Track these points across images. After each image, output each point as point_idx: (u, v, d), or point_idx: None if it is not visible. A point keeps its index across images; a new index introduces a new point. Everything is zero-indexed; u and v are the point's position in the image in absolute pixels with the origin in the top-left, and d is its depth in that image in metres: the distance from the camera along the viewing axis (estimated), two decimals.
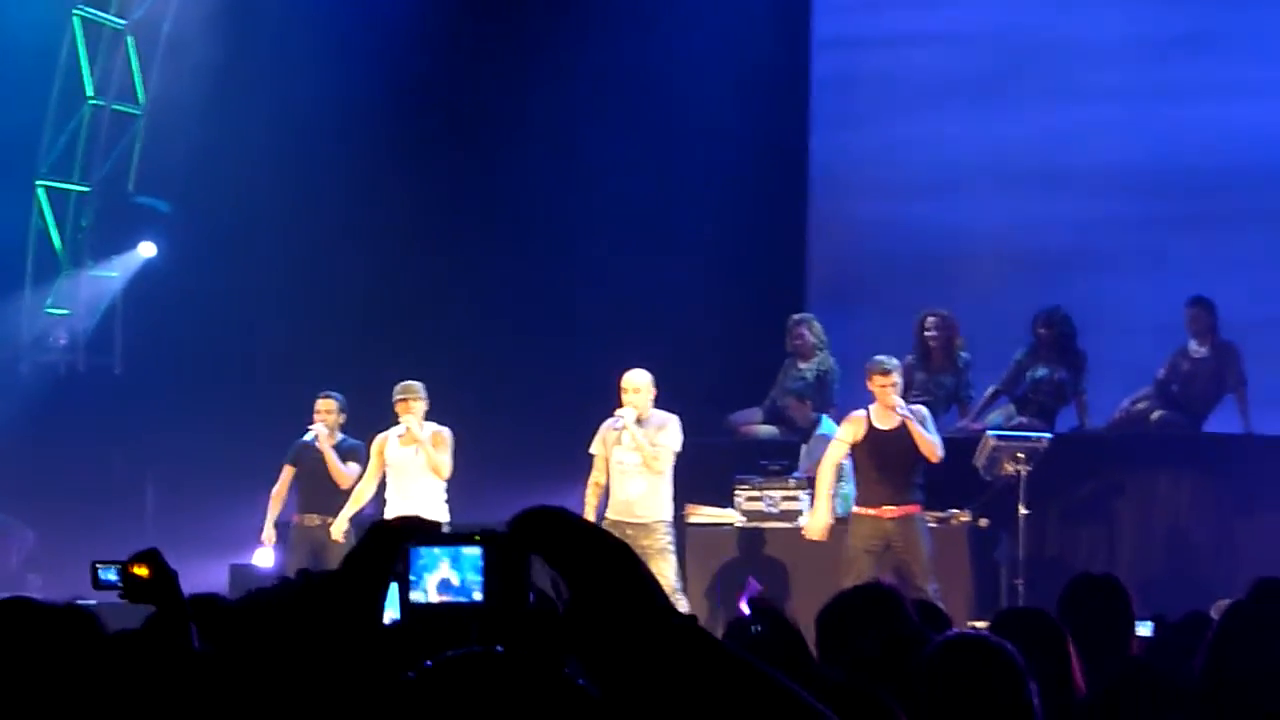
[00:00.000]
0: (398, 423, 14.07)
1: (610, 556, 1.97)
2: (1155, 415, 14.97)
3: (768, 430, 15.61)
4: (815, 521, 13.46)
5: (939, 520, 13.52)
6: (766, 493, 14.23)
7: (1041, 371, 15.07)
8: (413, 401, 14.05)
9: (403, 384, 14.11)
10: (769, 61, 18.15)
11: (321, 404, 14.60)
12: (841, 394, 15.27)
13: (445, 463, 13.98)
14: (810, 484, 13.96)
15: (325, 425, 14.55)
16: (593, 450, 13.58)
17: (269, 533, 14.65)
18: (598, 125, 17.42)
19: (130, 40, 18.07)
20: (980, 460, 13.74)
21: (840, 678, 4.06)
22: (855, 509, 13.29)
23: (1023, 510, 13.44)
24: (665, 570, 12.92)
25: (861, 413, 13.29)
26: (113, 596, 5.26)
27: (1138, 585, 6.43)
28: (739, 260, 17.52)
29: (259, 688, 2.19)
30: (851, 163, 18.07)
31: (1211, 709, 4.98)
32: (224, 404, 16.83)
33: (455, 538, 2.13)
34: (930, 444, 13.01)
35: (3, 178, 17.52)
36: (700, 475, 14.13)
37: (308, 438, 14.51)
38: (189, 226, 17.78)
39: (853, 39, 18.60)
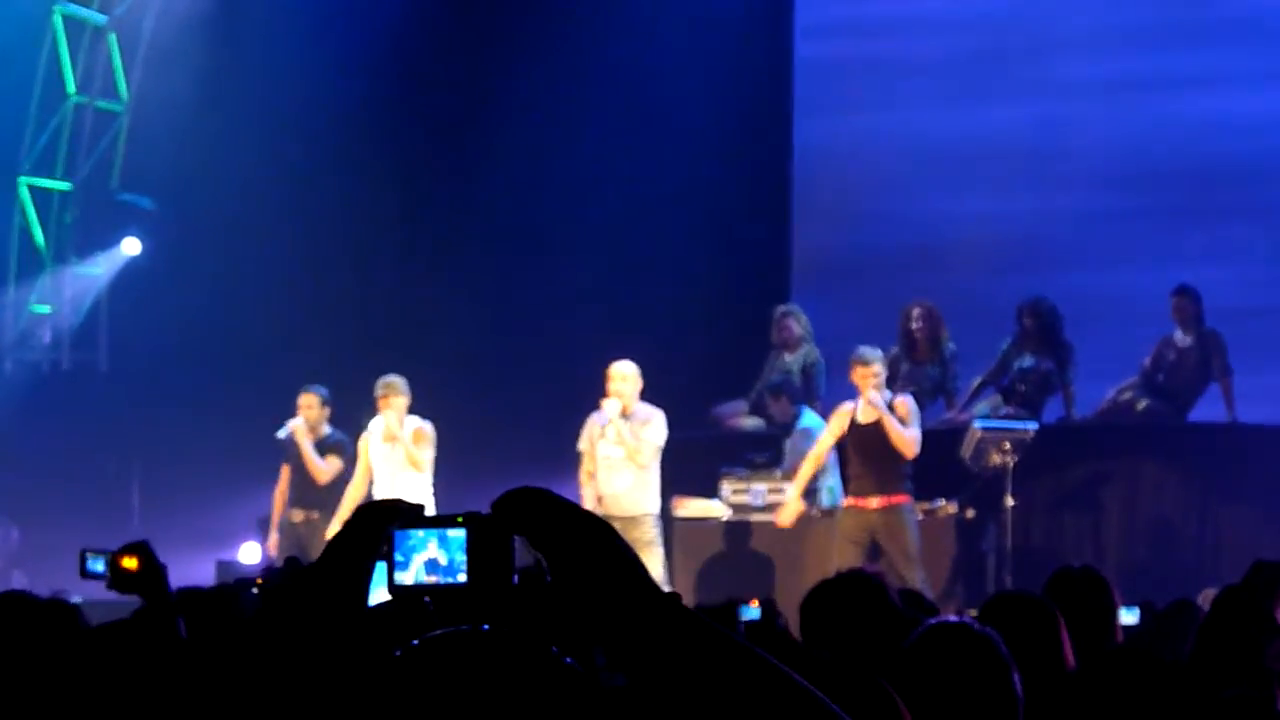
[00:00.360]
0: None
1: (592, 535, 1.98)
2: (1141, 405, 14.99)
3: (753, 423, 15.60)
4: (785, 510, 13.52)
5: (926, 511, 13.54)
6: (752, 485, 14.23)
7: (1027, 361, 15.09)
8: (393, 397, 14.06)
9: (384, 379, 14.12)
10: (752, 50, 18.15)
11: (302, 399, 14.61)
12: (828, 386, 15.29)
13: (422, 458, 13.98)
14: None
15: (307, 420, 14.54)
16: (580, 447, 13.60)
17: (273, 538, 14.66)
18: (580, 116, 17.43)
19: (112, 37, 18.03)
20: (967, 451, 13.76)
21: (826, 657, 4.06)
22: (843, 501, 13.34)
23: (1009, 500, 13.46)
24: (652, 563, 12.93)
25: (849, 405, 13.32)
26: (99, 590, 5.26)
27: (1123, 574, 6.46)
28: (724, 251, 17.52)
29: (245, 674, 2.18)
30: (837, 152, 18.05)
31: (1202, 692, 4.98)
32: (209, 399, 16.81)
33: (440, 520, 2.14)
34: (904, 438, 13.03)
35: None
36: (686, 468, 14.14)
37: (280, 434, 14.51)
38: (173, 223, 17.75)
39: (836, 27, 18.58)
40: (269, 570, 6.46)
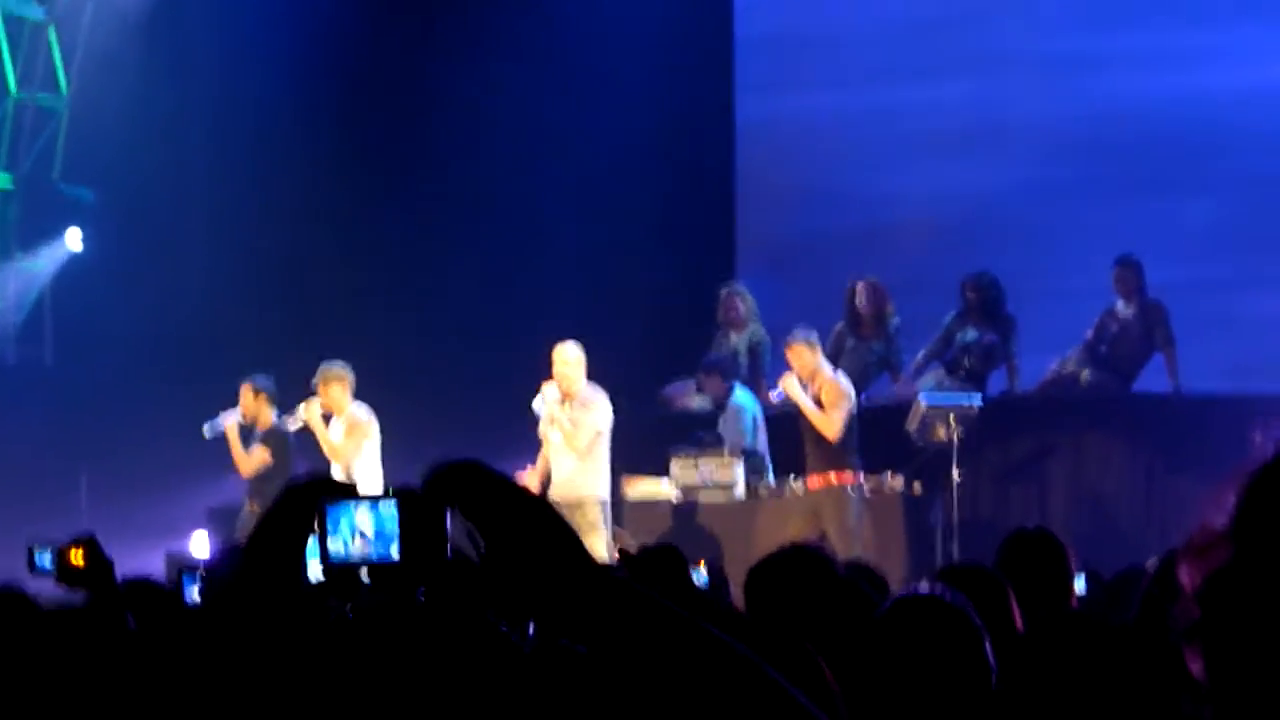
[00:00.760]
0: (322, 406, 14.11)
1: (525, 508, 1.98)
2: (1084, 376, 15.05)
3: (701, 402, 15.62)
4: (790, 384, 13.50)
5: (873, 489, 13.59)
6: (701, 463, 14.26)
7: (971, 335, 15.13)
8: (332, 384, 14.03)
9: (322, 365, 14.11)
10: (691, 28, 18.15)
11: (241, 390, 14.58)
12: (773, 365, 15.32)
13: (341, 448, 13.93)
14: (740, 455, 14.08)
15: (244, 411, 14.50)
16: (540, 430, 13.65)
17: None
18: (521, 98, 17.41)
19: (52, 31, 17.93)
20: (913, 425, 13.81)
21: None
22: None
23: (956, 474, 13.52)
24: (597, 547, 12.94)
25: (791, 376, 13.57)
26: (47, 585, 5.25)
27: (1070, 544, 6.48)
28: (668, 230, 17.53)
29: (191, 660, 2.21)
30: (779, 130, 18.08)
31: (1148, 656, 5.02)
32: (155, 391, 16.75)
33: (370, 495, 2.16)
34: (819, 419, 13.18)
35: None
36: (636, 449, 14.16)
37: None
38: (115, 217, 17.68)
39: (776, 2, 18.61)
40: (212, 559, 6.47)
